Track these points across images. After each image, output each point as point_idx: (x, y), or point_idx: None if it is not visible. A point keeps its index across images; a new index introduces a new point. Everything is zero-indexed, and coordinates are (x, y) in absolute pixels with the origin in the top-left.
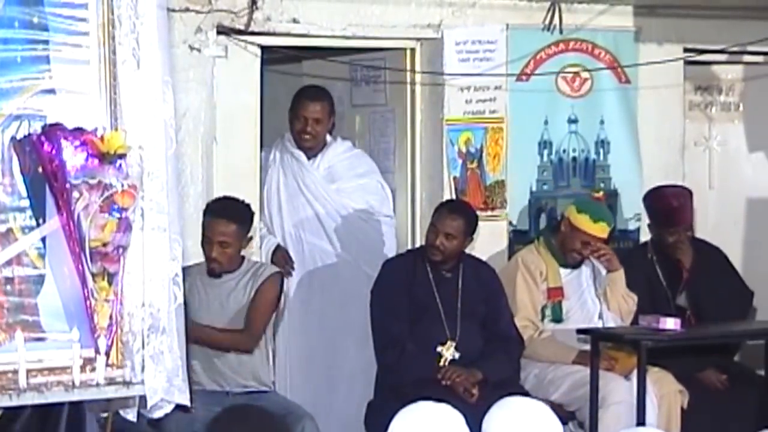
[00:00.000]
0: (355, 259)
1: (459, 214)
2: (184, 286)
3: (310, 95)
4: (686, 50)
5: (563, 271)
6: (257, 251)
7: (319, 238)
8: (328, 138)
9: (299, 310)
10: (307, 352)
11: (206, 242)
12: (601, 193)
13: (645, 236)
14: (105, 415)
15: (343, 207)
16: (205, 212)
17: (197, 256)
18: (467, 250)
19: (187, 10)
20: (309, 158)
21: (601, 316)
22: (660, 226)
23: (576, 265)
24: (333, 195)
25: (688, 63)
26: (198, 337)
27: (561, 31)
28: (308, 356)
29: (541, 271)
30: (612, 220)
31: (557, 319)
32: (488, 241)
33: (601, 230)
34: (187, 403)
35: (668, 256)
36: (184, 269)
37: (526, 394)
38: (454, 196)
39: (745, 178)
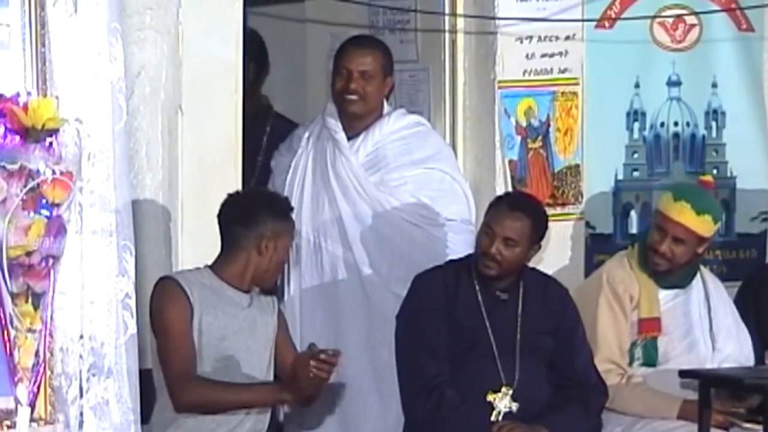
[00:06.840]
0: (388, 277)
1: (524, 212)
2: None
3: (358, 42)
4: None
5: (664, 295)
6: None
7: (342, 246)
8: (386, 108)
9: (313, 338)
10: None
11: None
12: (711, 178)
13: None
14: None
15: (382, 206)
16: (283, 212)
17: (158, 269)
18: (531, 263)
19: None
20: (350, 138)
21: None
22: None
23: (683, 284)
24: (370, 189)
25: None
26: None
27: None
28: (321, 400)
29: (631, 295)
30: (720, 217)
31: (650, 362)
32: (557, 249)
33: (704, 226)
34: None
35: None
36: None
37: None
38: (510, 187)
39: None
